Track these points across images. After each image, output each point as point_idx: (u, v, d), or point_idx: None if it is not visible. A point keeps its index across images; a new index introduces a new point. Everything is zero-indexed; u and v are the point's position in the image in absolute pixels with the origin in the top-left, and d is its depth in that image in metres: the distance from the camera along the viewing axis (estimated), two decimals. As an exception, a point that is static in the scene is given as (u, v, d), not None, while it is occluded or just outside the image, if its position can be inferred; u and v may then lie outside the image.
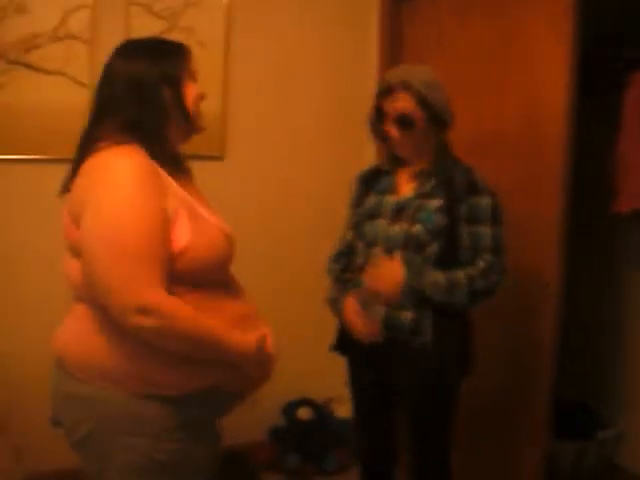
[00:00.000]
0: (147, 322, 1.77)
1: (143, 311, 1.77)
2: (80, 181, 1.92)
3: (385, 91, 2.61)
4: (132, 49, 2.05)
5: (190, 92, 2.06)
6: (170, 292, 1.84)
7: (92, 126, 2.00)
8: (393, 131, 2.60)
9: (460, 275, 2.53)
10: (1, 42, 3.24)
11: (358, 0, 4.01)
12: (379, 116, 2.64)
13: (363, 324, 2.66)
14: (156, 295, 1.79)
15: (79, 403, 1.97)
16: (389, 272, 2.56)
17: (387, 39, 3.90)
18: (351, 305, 2.70)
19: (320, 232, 3.95)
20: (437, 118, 2.58)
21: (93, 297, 1.88)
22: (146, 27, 3.44)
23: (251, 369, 2.03)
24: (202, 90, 2.12)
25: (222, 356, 1.95)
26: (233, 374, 2.02)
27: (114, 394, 1.92)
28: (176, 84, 2.01)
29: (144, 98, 1.97)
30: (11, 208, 3.37)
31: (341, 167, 4.00)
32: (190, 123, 2.07)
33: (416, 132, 2.59)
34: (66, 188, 2.00)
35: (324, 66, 3.99)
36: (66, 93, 3.37)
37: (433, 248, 2.56)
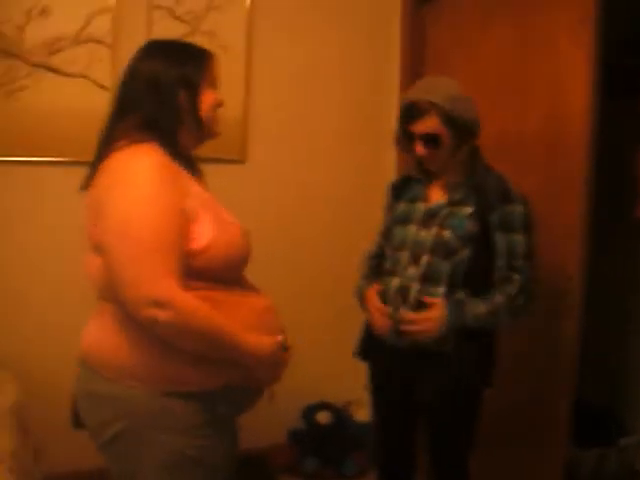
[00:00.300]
0: (161, 315, 1.80)
1: (157, 304, 1.79)
2: (101, 180, 1.95)
3: (409, 112, 2.58)
4: (154, 49, 2.10)
5: (207, 98, 2.08)
6: (189, 288, 1.87)
7: (112, 123, 2.05)
8: (420, 149, 2.57)
9: (499, 299, 2.56)
10: (25, 45, 3.27)
11: (380, 3, 4.01)
12: (405, 135, 2.63)
13: (379, 318, 2.67)
14: (171, 289, 1.82)
15: (106, 402, 1.99)
16: (431, 321, 2.55)
17: (409, 43, 3.90)
18: (372, 296, 2.72)
19: (339, 236, 3.97)
20: (464, 132, 2.57)
21: (114, 294, 1.90)
22: (168, 31, 3.46)
23: (263, 371, 2.05)
24: (221, 97, 2.14)
25: (236, 356, 1.96)
26: (250, 371, 2.04)
27: (140, 392, 1.94)
28: (192, 89, 2.04)
29: (161, 98, 2.01)
30: (39, 209, 3.40)
31: (360, 171, 4.01)
32: (202, 129, 2.10)
33: (443, 149, 2.57)
34: (86, 185, 2.04)
35: (345, 70, 3.99)
36: (88, 96, 3.39)
37: (463, 254, 2.56)
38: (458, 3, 3.63)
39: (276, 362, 2.08)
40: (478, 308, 2.54)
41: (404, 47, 3.93)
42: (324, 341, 3.95)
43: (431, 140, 2.55)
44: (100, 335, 2.03)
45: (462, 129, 2.55)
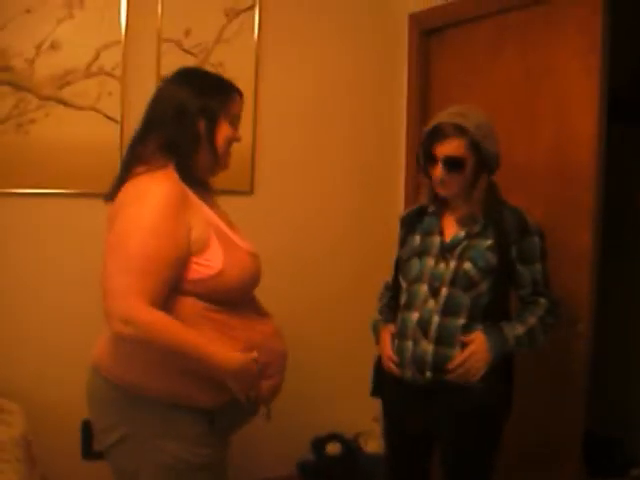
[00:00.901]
0: (125, 330, 1.93)
1: (123, 320, 1.92)
2: (120, 197, 2.10)
3: (435, 134, 2.56)
4: (186, 77, 2.24)
5: (222, 131, 2.19)
6: (198, 312, 2.06)
7: (137, 142, 2.19)
8: (441, 171, 2.54)
9: (532, 319, 2.58)
10: (35, 78, 3.29)
11: (387, 34, 4.05)
12: (427, 158, 2.60)
13: (391, 357, 2.67)
14: (138, 309, 1.93)
15: (112, 407, 2.13)
16: (476, 356, 2.54)
17: (416, 73, 3.93)
18: (387, 333, 2.73)
19: (350, 265, 3.96)
20: (487, 162, 2.56)
21: None
22: (177, 63, 3.41)
23: (232, 383, 2.09)
24: (239, 135, 2.26)
25: (202, 367, 2.04)
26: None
27: (145, 400, 2.06)
28: (211, 119, 2.15)
29: (182, 123, 2.12)
30: (45, 242, 3.40)
31: (369, 201, 4.02)
32: (217, 158, 2.20)
33: (464, 175, 2.55)
34: (110, 197, 2.17)
35: (353, 101, 4.01)
36: (98, 129, 3.41)
37: (484, 286, 2.55)
38: (464, 33, 3.66)
39: (246, 376, 2.11)
40: (516, 329, 2.56)
41: (411, 77, 3.97)
42: (334, 372, 3.94)
43: (454, 164, 2.52)
44: (110, 344, 2.15)
45: (485, 159, 2.54)
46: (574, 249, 3.03)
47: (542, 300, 2.61)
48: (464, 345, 2.54)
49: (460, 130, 2.51)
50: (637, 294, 3.95)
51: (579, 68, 2.99)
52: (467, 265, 2.55)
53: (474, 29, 3.59)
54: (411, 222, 2.81)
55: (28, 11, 3.26)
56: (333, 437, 3.99)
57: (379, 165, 4.05)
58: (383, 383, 2.80)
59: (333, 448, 3.96)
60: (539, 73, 3.21)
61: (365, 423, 4.01)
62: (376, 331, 2.84)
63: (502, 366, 2.62)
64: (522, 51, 3.30)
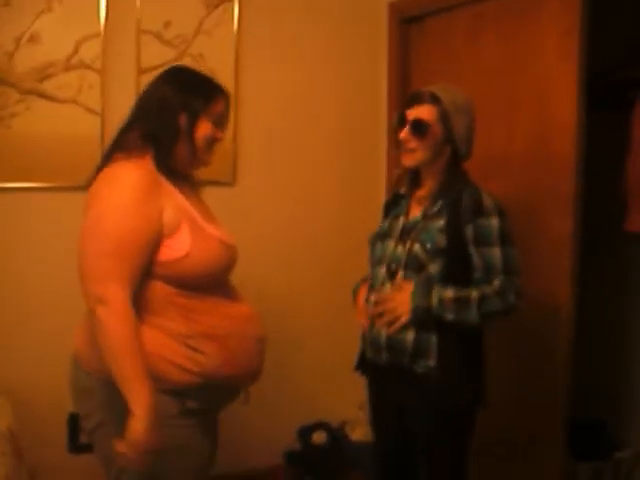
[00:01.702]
0: (99, 310, 2.00)
1: (100, 300, 1.99)
2: (92, 188, 2.17)
3: (413, 98, 2.63)
4: (172, 74, 2.33)
5: (202, 129, 2.24)
6: (165, 293, 2.12)
7: (121, 132, 2.28)
8: (405, 134, 2.57)
9: (473, 293, 2.48)
10: (15, 72, 3.29)
11: (367, 22, 4.06)
12: (400, 122, 2.63)
13: (363, 313, 2.69)
14: (114, 291, 2.01)
15: (88, 395, 2.22)
16: (397, 300, 2.54)
17: (396, 62, 3.94)
18: (361, 293, 2.76)
19: (332, 256, 3.98)
20: (454, 143, 2.57)
21: None
22: (157, 55, 3.49)
23: (133, 425, 2.02)
24: (221, 135, 2.31)
25: (121, 386, 2.02)
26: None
27: (114, 385, 2.05)
28: (192, 115, 2.21)
29: (163, 116, 2.21)
30: (27, 236, 3.39)
31: (352, 190, 4.03)
32: (194, 153, 2.25)
33: (427, 144, 2.56)
34: (88, 186, 2.21)
35: (333, 91, 4.02)
36: (79, 121, 3.41)
37: (432, 268, 2.52)
38: (443, 21, 3.67)
39: (140, 440, 2.03)
40: (446, 292, 2.47)
41: (391, 65, 3.98)
42: (319, 361, 3.96)
43: (419, 127, 2.55)
44: (84, 333, 2.22)
45: (452, 133, 2.56)
46: (555, 236, 3.04)
47: (496, 282, 2.49)
48: (418, 327, 2.53)
49: (434, 98, 2.56)
50: (617, 277, 3.98)
51: (558, 53, 3.00)
52: (416, 246, 2.54)
53: (453, 17, 3.60)
54: (388, 207, 2.85)
55: (7, 4, 3.26)
56: (319, 426, 4.00)
57: (361, 154, 4.06)
58: (366, 363, 2.80)
59: (319, 437, 3.97)
60: (518, 59, 3.23)
61: (351, 411, 4.03)
62: (354, 294, 2.84)
63: (465, 355, 2.59)
64: (500, 38, 3.32)
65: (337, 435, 4.04)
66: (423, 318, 2.51)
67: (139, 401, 2.00)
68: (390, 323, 2.55)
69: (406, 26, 3.90)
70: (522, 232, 2.78)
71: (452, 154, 2.61)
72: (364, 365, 2.82)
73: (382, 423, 2.87)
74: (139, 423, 1.99)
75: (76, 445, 3.46)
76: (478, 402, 2.65)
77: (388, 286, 2.60)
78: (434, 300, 2.48)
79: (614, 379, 4.00)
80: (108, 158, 2.22)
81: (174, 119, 2.20)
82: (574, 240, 2.98)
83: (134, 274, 2.05)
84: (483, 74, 3.41)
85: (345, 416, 4.09)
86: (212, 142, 2.28)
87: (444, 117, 2.54)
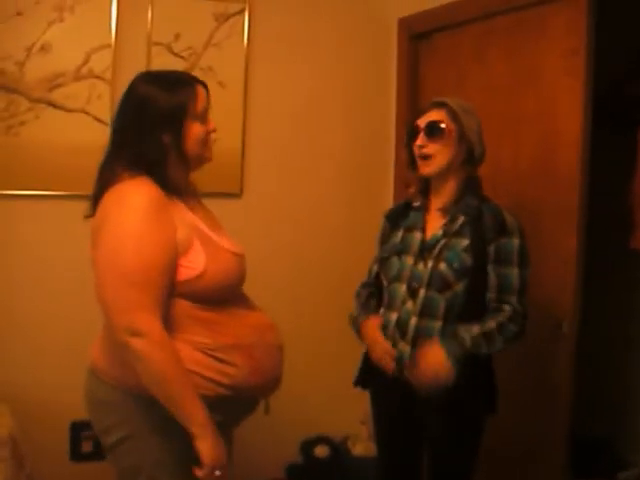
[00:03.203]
0: (133, 342, 1.95)
1: (134, 332, 1.95)
2: (100, 209, 2.11)
3: (419, 111, 2.67)
4: (143, 80, 2.22)
5: (192, 133, 2.16)
6: (186, 309, 2.08)
7: (109, 157, 2.19)
8: (420, 139, 2.59)
9: (492, 324, 2.51)
10: (25, 81, 3.32)
11: (377, 38, 4.07)
12: (412, 133, 2.65)
13: (383, 356, 2.63)
14: (148, 320, 1.97)
15: (111, 409, 2.16)
16: (434, 366, 2.50)
17: (405, 77, 3.95)
18: (374, 331, 2.68)
19: (337, 267, 3.98)
20: (469, 142, 2.58)
21: None
22: (167, 67, 3.47)
23: (198, 443, 2.03)
24: (212, 126, 2.22)
25: (174, 411, 2.01)
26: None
27: (145, 401, 2.05)
28: (175, 128, 2.12)
29: (145, 140, 2.11)
30: (31, 243, 3.41)
31: (358, 203, 4.04)
32: (188, 163, 2.20)
33: (444, 144, 2.57)
34: (90, 214, 2.17)
35: (342, 104, 4.03)
36: (88, 131, 3.42)
37: (459, 288, 2.53)
38: (451, 37, 3.68)
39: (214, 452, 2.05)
40: (472, 330, 2.49)
41: (400, 81, 3.99)
42: (322, 375, 3.95)
43: (434, 128, 2.56)
44: (106, 347, 2.19)
45: (465, 133, 2.57)
46: (560, 251, 3.04)
47: (506, 307, 2.53)
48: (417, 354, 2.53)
49: (440, 104, 2.61)
50: (620, 295, 3.97)
51: (564, 71, 3.00)
52: (442, 266, 2.54)
53: (460, 33, 3.61)
54: (396, 218, 2.81)
55: (19, 14, 3.29)
56: (321, 440, 4.00)
57: (369, 168, 4.07)
58: (370, 375, 2.78)
59: (321, 451, 3.97)
60: (524, 76, 3.24)
61: (353, 426, 4.02)
62: (357, 327, 2.79)
63: (478, 364, 2.59)
64: (507, 55, 3.33)
65: (339, 449, 4.03)
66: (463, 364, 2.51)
67: (197, 421, 2.01)
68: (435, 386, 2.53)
69: (415, 42, 3.92)
70: (528, 246, 2.78)
71: (467, 155, 2.61)
72: (368, 380, 2.82)
73: (389, 437, 2.86)
74: (204, 442, 2.01)
75: (78, 454, 3.47)
76: (491, 408, 2.67)
77: (410, 304, 2.58)
78: (467, 343, 2.49)
79: (618, 396, 3.99)
80: (102, 189, 2.13)
81: (158, 137, 2.11)
82: (579, 256, 2.97)
83: (161, 300, 2.01)
84: (490, 90, 3.42)
85: (347, 431, 4.09)
86: (206, 138, 2.20)
87: (454, 116, 2.56)
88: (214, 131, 2.23)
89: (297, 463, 3.99)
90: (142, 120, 2.12)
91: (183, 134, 2.14)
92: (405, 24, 3.96)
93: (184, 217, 2.12)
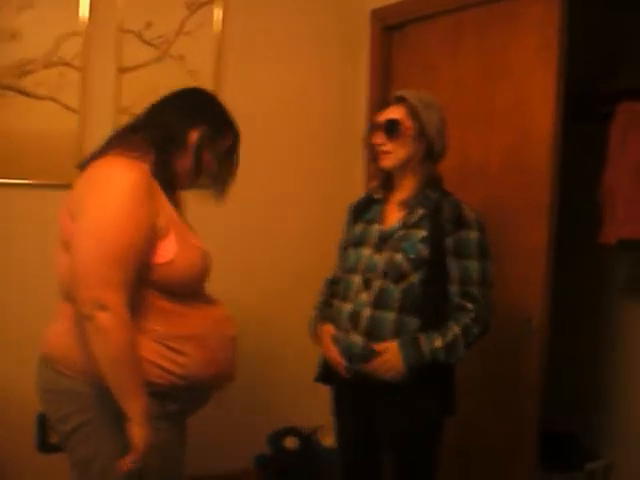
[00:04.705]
0: (100, 316, 1.96)
1: (101, 306, 1.96)
2: (84, 180, 2.13)
3: (380, 105, 2.69)
4: (194, 94, 2.36)
5: (207, 157, 2.28)
6: (147, 296, 2.10)
7: (127, 131, 2.28)
8: (379, 137, 2.60)
9: (455, 329, 2.51)
10: (-6, 67, 3.27)
11: (350, 29, 4.06)
12: (371, 129, 2.66)
13: (336, 354, 2.65)
14: (117, 297, 1.99)
15: (65, 398, 2.16)
16: (388, 365, 2.52)
17: (377, 68, 3.94)
18: (327, 334, 2.71)
19: (308, 260, 3.97)
20: (428, 138, 2.58)
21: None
22: (137, 55, 3.49)
23: (133, 430, 2.05)
24: (212, 167, 2.32)
25: (118, 394, 2.02)
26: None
27: (96, 388, 2.07)
28: (202, 137, 2.25)
29: (174, 127, 2.24)
30: (4, 233, 3.37)
31: (330, 196, 4.03)
32: (197, 168, 2.28)
33: (402, 142, 2.58)
34: (82, 166, 2.21)
35: (314, 94, 4.03)
36: (57, 119, 3.39)
37: (414, 278, 2.53)
38: (424, 29, 3.68)
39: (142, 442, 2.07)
40: (434, 342, 2.50)
41: (372, 72, 3.98)
42: (291, 366, 3.95)
43: (392, 126, 2.57)
44: (61, 335, 2.18)
45: (426, 132, 2.58)
46: (529, 247, 3.05)
47: (470, 306, 2.54)
48: (376, 354, 2.54)
49: (400, 99, 2.61)
50: (589, 290, 3.99)
51: (536, 64, 3.01)
52: (398, 256, 2.54)
53: (433, 25, 3.61)
54: (358, 210, 2.82)
55: (-13, 0, 3.24)
56: (291, 431, 4.00)
57: (339, 160, 4.06)
58: (330, 373, 2.78)
59: (291, 442, 3.97)
60: (497, 70, 3.24)
61: (323, 417, 4.01)
62: (312, 331, 2.82)
63: (442, 371, 2.61)
64: (480, 47, 3.33)
65: (309, 440, 4.03)
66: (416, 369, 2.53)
67: (138, 407, 2.02)
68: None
69: (388, 33, 3.91)
70: (497, 242, 2.79)
71: (426, 151, 2.61)
72: (329, 376, 2.81)
73: (349, 433, 2.86)
74: (141, 429, 2.03)
75: (46, 445, 3.44)
76: (448, 409, 2.67)
77: (364, 295, 2.59)
78: (426, 354, 2.50)
79: (585, 392, 4.02)
80: (108, 146, 2.22)
81: (184, 132, 2.23)
82: (548, 251, 2.99)
83: (130, 282, 2.03)
84: (462, 83, 3.43)
85: (317, 421, 4.08)
86: (200, 174, 2.31)
87: (413, 113, 2.57)
88: (209, 171, 2.32)
89: (266, 454, 3.99)
90: (180, 113, 2.25)
91: (204, 151, 2.26)
92: (378, 15, 3.95)
93: (165, 206, 2.15)
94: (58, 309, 2.22)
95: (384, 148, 2.60)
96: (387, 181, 2.73)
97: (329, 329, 2.71)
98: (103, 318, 1.96)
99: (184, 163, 2.24)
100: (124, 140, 2.22)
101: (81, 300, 2.00)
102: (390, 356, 2.51)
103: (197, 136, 2.24)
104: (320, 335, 2.76)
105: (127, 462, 2.03)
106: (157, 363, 2.10)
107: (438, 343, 2.50)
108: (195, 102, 2.31)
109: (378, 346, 2.54)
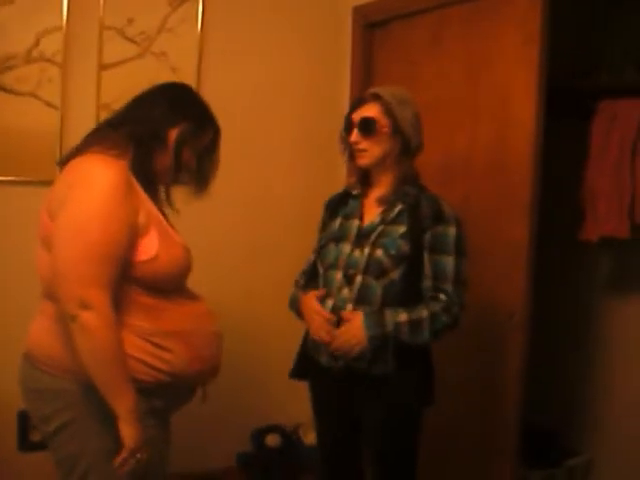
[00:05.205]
0: (84, 315, 1.95)
1: (85, 305, 1.95)
2: (64, 178, 2.12)
3: (356, 102, 2.68)
4: (173, 89, 2.35)
5: (187, 154, 2.27)
6: (130, 293, 2.09)
7: (105, 128, 2.26)
8: (354, 136, 2.61)
9: (423, 312, 2.51)
10: (-26, 63, 3.24)
11: (331, 26, 4.06)
12: (347, 127, 2.66)
13: (319, 322, 2.62)
14: (100, 296, 1.98)
15: (48, 397, 2.14)
16: (350, 332, 2.53)
17: (359, 65, 3.95)
18: (311, 300, 2.68)
19: (291, 255, 3.96)
20: (403, 134, 2.59)
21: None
22: (119, 51, 3.47)
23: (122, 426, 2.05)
24: (191, 165, 2.30)
25: (106, 390, 2.03)
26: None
27: (80, 386, 2.07)
28: (182, 135, 2.23)
29: (153, 123, 2.21)
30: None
31: (311, 191, 4.02)
32: (175, 168, 2.26)
33: (378, 140, 2.59)
34: (62, 163, 2.21)
35: (297, 91, 4.03)
36: (37, 115, 3.36)
37: (395, 274, 2.54)
38: (407, 26, 3.68)
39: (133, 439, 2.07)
40: (399, 316, 2.50)
41: (354, 68, 3.98)
42: (273, 364, 3.94)
43: (367, 125, 2.58)
44: (43, 333, 2.17)
45: (402, 129, 2.58)
46: (511, 242, 3.06)
47: (442, 296, 2.54)
48: (343, 321, 2.55)
49: (374, 96, 2.61)
50: (571, 287, 4.01)
51: (519, 60, 3.02)
52: (379, 252, 2.55)
53: (416, 22, 3.61)
54: (335, 206, 2.82)
55: (-34, -5, 3.21)
56: (273, 429, 4.00)
57: (321, 156, 4.05)
58: (307, 364, 2.79)
59: (272, 440, 3.97)
60: (479, 66, 3.25)
61: (304, 415, 4.01)
62: (295, 306, 2.81)
63: (418, 358, 2.63)
64: (462, 44, 3.34)
65: (291, 438, 4.04)
66: (379, 344, 2.52)
67: (126, 405, 2.02)
68: (346, 352, 2.55)
69: (370, 30, 3.91)
70: (480, 237, 2.80)
71: (403, 148, 2.62)
72: (306, 370, 2.81)
73: (329, 428, 2.87)
74: (130, 427, 2.03)
75: (26, 444, 3.42)
76: (427, 399, 2.67)
77: (346, 291, 2.59)
78: (389, 327, 2.50)
79: (566, 387, 4.04)
80: (87, 144, 2.20)
81: (164, 129, 2.21)
82: (530, 247, 3.00)
83: (114, 279, 2.02)
84: (445, 80, 3.43)
85: (299, 419, 4.09)
86: (180, 170, 2.29)
87: (388, 110, 2.57)
88: (188, 169, 2.31)
89: (248, 452, 3.99)
90: (159, 109, 2.22)
91: (185, 146, 2.25)
92: (360, 12, 3.95)
93: (144, 204, 2.14)
94: (39, 307, 2.21)
95: (360, 146, 2.61)
96: (364, 177, 2.74)
97: (313, 294, 2.69)
98: (87, 317, 1.95)
99: (164, 160, 2.23)
100: (103, 137, 2.20)
101: (64, 299, 1.99)
102: (353, 325, 2.52)
103: (177, 133, 2.22)
104: (303, 303, 2.73)
105: (119, 461, 2.03)
106: (142, 359, 2.09)
107: (403, 317, 2.50)
108: (175, 98, 2.29)
109: (344, 313, 2.56)
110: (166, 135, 2.22)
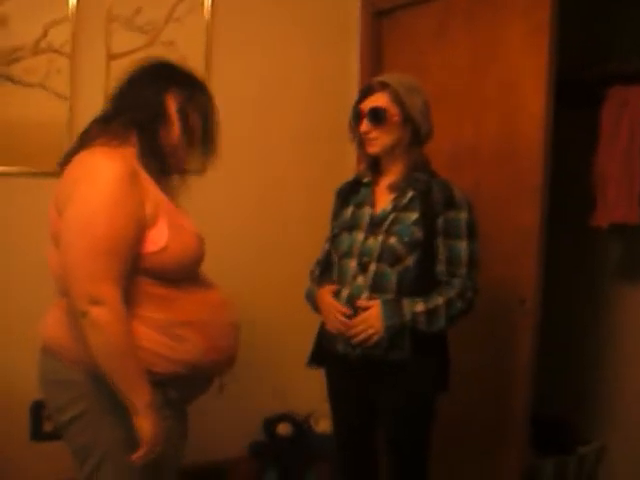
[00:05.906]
0: (94, 311, 1.95)
1: (96, 301, 1.95)
2: (70, 173, 2.10)
3: (364, 91, 2.68)
4: (155, 66, 2.29)
5: (193, 117, 2.25)
6: (143, 285, 2.08)
7: (101, 121, 2.23)
8: (364, 125, 2.61)
9: (439, 300, 2.54)
10: (-18, 55, 3.24)
11: (340, 15, 4.05)
12: (356, 117, 2.67)
13: (334, 315, 2.63)
14: (111, 291, 1.97)
15: (64, 387, 2.14)
16: (368, 322, 2.54)
17: (367, 53, 3.95)
18: (326, 295, 2.70)
19: (302, 245, 3.96)
20: (413, 122, 2.60)
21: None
22: (127, 41, 3.46)
23: (139, 423, 2.04)
24: (200, 128, 2.29)
25: (121, 388, 2.02)
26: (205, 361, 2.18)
27: (94, 378, 2.06)
28: (180, 100, 2.22)
29: (147, 100, 2.19)
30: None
31: (321, 183, 4.01)
32: (185, 137, 2.25)
33: (388, 129, 2.60)
34: (63, 163, 2.18)
35: (305, 80, 4.01)
36: (46, 106, 3.36)
37: (409, 261, 2.56)
38: (414, 15, 3.67)
39: (152, 435, 2.06)
40: (416, 306, 2.52)
41: (363, 58, 3.98)
42: (285, 352, 3.95)
43: (376, 115, 2.58)
44: (55, 325, 2.18)
45: (411, 116, 2.59)
46: (520, 228, 3.06)
47: (456, 281, 2.57)
48: (361, 310, 2.56)
49: (382, 85, 2.61)
50: (582, 273, 4.00)
51: (527, 48, 3.01)
52: (392, 239, 2.56)
53: (423, 11, 3.61)
54: (346, 194, 2.83)
55: (-26, -14, 3.21)
56: (284, 418, 4.01)
57: (331, 145, 4.04)
58: (323, 352, 2.81)
59: (284, 429, 3.97)
60: (487, 54, 3.24)
61: (316, 403, 4.02)
62: (311, 299, 2.83)
63: (434, 345, 2.65)
64: (470, 32, 3.33)
65: (302, 427, 4.04)
66: (396, 333, 2.54)
67: (142, 399, 2.01)
68: (363, 341, 2.56)
69: (378, 19, 3.90)
70: (490, 223, 2.80)
71: (413, 135, 2.63)
72: (323, 358, 2.83)
73: (345, 415, 2.88)
74: (147, 420, 2.02)
75: (40, 433, 3.43)
76: (442, 386, 2.70)
77: (360, 279, 2.60)
78: (407, 317, 2.52)
79: (578, 375, 4.03)
80: (85, 140, 2.19)
81: (161, 103, 2.19)
82: (540, 233, 3.00)
83: (124, 273, 2.01)
84: (453, 68, 3.43)
85: (310, 408, 4.09)
86: (182, 145, 2.26)
87: (397, 98, 2.58)
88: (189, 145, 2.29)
89: (260, 441, 3.99)
90: (149, 88, 2.19)
91: (186, 108, 2.22)
92: (368, 1, 3.93)
93: (152, 193, 2.12)
94: (55, 300, 2.21)
95: (370, 136, 2.62)
96: (375, 165, 2.74)
97: (329, 288, 2.71)
98: (97, 313, 1.95)
99: (172, 133, 2.21)
100: (102, 130, 2.19)
101: (74, 295, 1.99)
102: (371, 314, 2.53)
103: (175, 100, 2.20)
104: (319, 298, 2.75)
105: (138, 456, 2.03)
106: (156, 351, 2.07)
107: (420, 307, 2.52)
108: (159, 70, 2.27)
109: (361, 302, 2.57)
110: (165, 108, 2.19)
